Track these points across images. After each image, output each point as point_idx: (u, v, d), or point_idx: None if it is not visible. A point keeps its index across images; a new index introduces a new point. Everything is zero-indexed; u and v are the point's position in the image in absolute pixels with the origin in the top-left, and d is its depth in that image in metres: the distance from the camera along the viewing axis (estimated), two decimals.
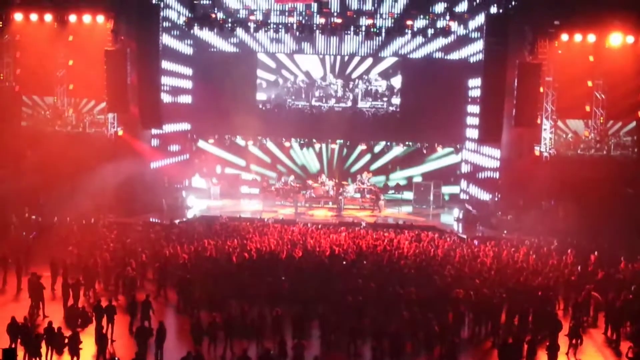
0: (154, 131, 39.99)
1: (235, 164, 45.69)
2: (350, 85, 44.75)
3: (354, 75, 44.62)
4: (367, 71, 44.48)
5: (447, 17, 37.90)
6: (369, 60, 44.40)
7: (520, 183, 36.74)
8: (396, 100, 44.45)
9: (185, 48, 43.54)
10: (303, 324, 21.82)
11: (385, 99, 44.61)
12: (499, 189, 38.69)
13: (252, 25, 38.38)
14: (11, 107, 38.92)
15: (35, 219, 33.36)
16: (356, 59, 44.40)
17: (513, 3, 35.54)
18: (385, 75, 44.40)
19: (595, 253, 28.87)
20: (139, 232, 31.69)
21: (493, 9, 36.10)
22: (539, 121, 36.77)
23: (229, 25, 38.36)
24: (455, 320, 22.66)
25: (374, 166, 45.01)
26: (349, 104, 44.96)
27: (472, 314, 23.52)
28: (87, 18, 35.59)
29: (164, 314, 24.22)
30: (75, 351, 19.84)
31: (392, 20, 39.69)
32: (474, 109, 40.50)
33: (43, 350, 19.82)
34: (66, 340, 19.93)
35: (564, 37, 34.79)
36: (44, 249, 28.12)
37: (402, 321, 21.88)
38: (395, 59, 44.09)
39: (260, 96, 45.00)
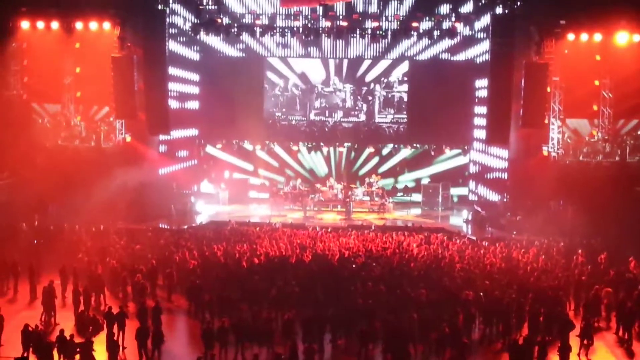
0: (162, 137, 40.00)
1: (243, 168, 45.65)
2: (364, 91, 43.78)
3: (367, 79, 43.83)
4: (386, 74, 43.66)
5: (453, 18, 37.82)
6: (385, 62, 43.38)
7: (528, 183, 36.67)
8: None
9: (191, 54, 43.59)
10: (314, 328, 21.76)
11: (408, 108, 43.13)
12: (508, 189, 38.64)
13: (257, 29, 38.38)
14: (20, 115, 38.97)
15: (45, 227, 33.39)
16: (367, 62, 43.59)
17: (518, 3, 35.39)
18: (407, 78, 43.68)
19: (605, 253, 28.80)
20: (149, 238, 31.73)
21: (498, 10, 36.02)
22: (546, 121, 36.69)
23: (235, 30, 38.42)
24: (465, 321, 22.61)
25: (382, 169, 44.90)
26: (362, 117, 43.95)
27: (482, 315, 23.47)
28: (93, 25, 35.80)
29: (174, 318, 24.28)
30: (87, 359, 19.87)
31: (398, 23, 39.54)
32: (481, 109, 40.42)
33: (55, 358, 19.84)
34: (78, 349, 19.97)
35: (570, 36, 34.84)
36: (53, 256, 28.13)
37: (413, 323, 21.84)
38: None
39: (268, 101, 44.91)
